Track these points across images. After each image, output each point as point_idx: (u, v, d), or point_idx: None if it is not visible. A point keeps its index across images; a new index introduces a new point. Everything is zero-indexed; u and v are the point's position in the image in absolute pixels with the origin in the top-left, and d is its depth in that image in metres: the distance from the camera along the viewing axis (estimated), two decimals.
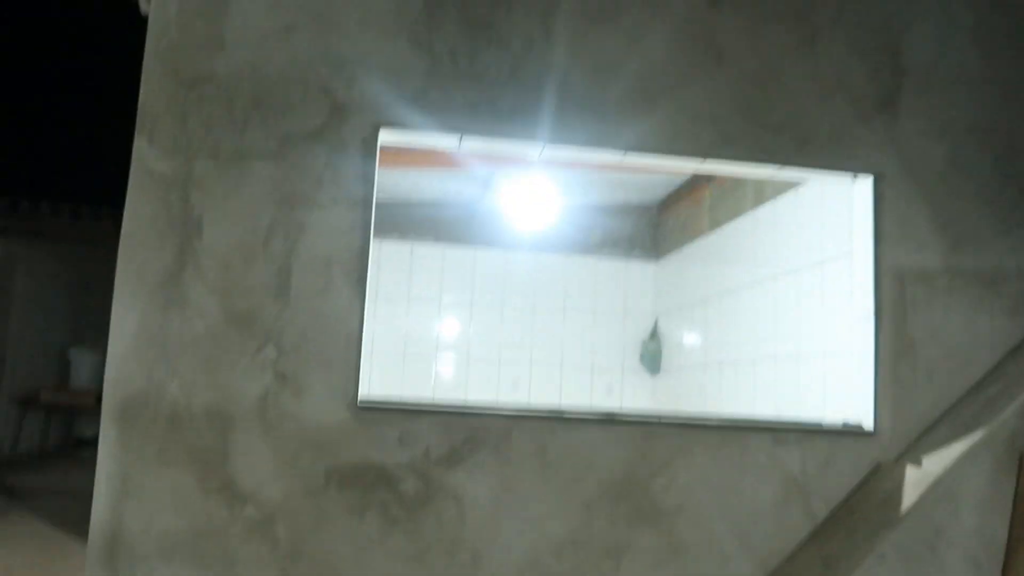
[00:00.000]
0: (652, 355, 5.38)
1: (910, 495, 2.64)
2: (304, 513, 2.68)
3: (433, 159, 4.29)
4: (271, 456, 2.70)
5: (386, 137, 2.90)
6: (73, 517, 2.76)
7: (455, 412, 2.81)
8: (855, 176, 3.11)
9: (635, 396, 5.40)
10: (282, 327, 2.76)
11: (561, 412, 2.88)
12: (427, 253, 5.48)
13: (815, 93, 3.08)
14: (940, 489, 2.78)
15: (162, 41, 2.81)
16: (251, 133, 2.80)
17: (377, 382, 5.00)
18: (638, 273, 5.60)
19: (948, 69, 3.17)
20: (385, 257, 5.31)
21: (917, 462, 2.75)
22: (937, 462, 2.69)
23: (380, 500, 2.71)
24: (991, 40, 3.21)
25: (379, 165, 2.90)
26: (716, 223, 4.74)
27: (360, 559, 2.68)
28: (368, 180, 2.83)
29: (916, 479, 2.68)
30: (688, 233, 5.15)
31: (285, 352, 2.75)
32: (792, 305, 3.79)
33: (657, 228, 5.71)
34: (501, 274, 5.49)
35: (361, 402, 2.75)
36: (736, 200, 4.48)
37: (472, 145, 2.98)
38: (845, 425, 2.97)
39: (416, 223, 5.50)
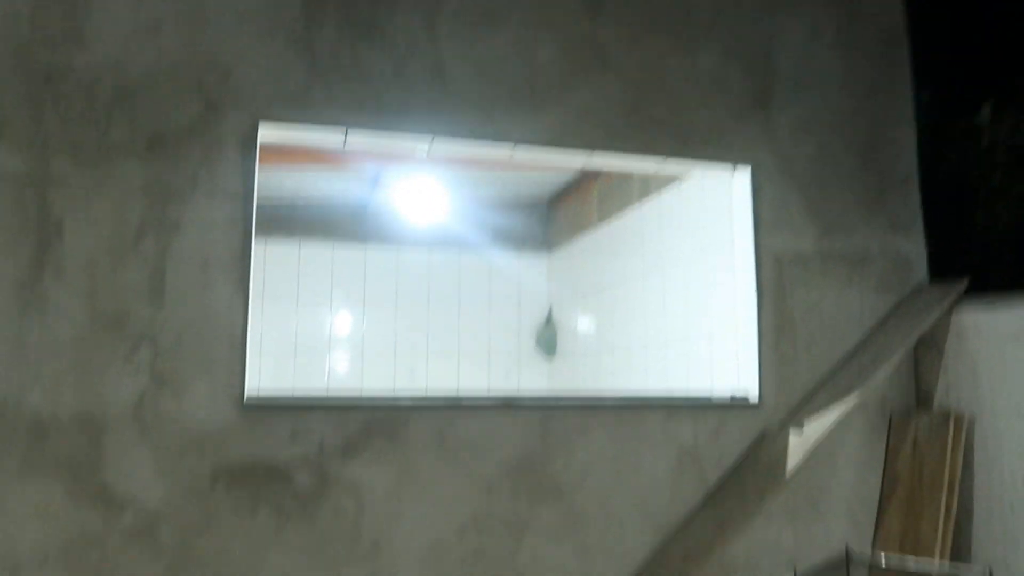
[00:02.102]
0: (548, 339, 5.44)
1: (794, 459, 2.77)
2: (189, 516, 2.53)
3: (319, 157, 4.17)
4: (150, 460, 2.53)
5: (267, 133, 2.78)
6: None
7: (349, 405, 2.73)
8: (734, 167, 3.25)
9: (532, 379, 5.44)
10: (157, 329, 2.58)
11: (459, 400, 2.85)
12: (316, 252, 5.32)
13: (694, 93, 3.21)
14: (820, 452, 2.95)
15: (12, 35, 2.59)
16: (115, 130, 2.61)
17: (268, 380, 4.80)
18: (531, 265, 5.65)
19: (814, 71, 3.38)
20: (272, 257, 5.11)
21: (799, 429, 2.89)
22: (817, 428, 2.84)
23: (272, 496, 2.59)
24: (850, 46, 3.46)
25: (263, 164, 2.79)
26: (605, 216, 4.85)
27: (253, 556, 2.55)
28: (248, 176, 2.71)
29: (799, 444, 2.82)
30: (578, 226, 5.25)
31: (162, 353, 2.58)
32: (680, 290, 3.92)
33: (548, 223, 5.78)
34: (393, 271, 5.41)
35: (248, 400, 2.63)
36: (623, 194, 4.60)
37: (358, 141, 2.92)
38: (732, 399, 3.10)
39: (304, 222, 5.33)
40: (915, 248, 3.39)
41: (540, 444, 2.83)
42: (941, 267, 3.33)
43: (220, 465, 2.57)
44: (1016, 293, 2.93)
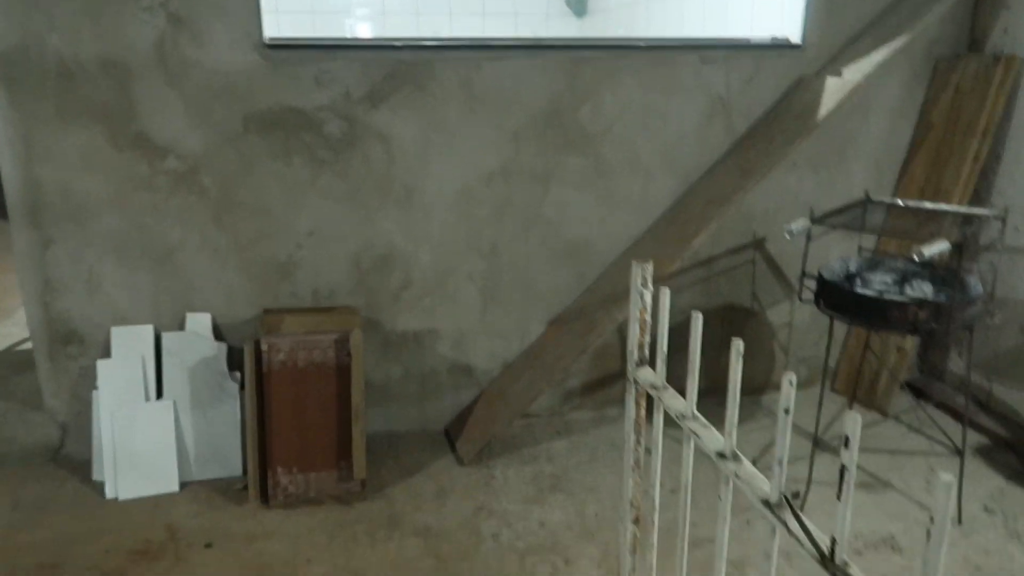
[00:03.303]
0: None
1: (828, 104, 2.70)
2: (228, 161, 2.63)
3: None
4: (181, 106, 2.55)
5: None
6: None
7: (373, 47, 2.65)
8: None
9: None
10: None
11: (485, 43, 2.75)
12: None
13: None
14: (856, 98, 2.87)
15: None
16: None
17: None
18: None
19: None
20: None
21: (837, 73, 2.78)
22: (856, 72, 2.73)
23: (305, 144, 2.66)
24: None
25: None
26: None
27: (293, 201, 2.70)
28: None
29: (835, 89, 2.73)
30: None
31: None
32: None
33: None
34: None
35: (269, 41, 2.56)
36: None
37: None
38: (773, 39, 2.94)
39: None
40: None
41: (567, 91, 2.78)
42: None
43: (250, 112, 2.59)
44: None
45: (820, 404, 2.62)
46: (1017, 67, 2.81)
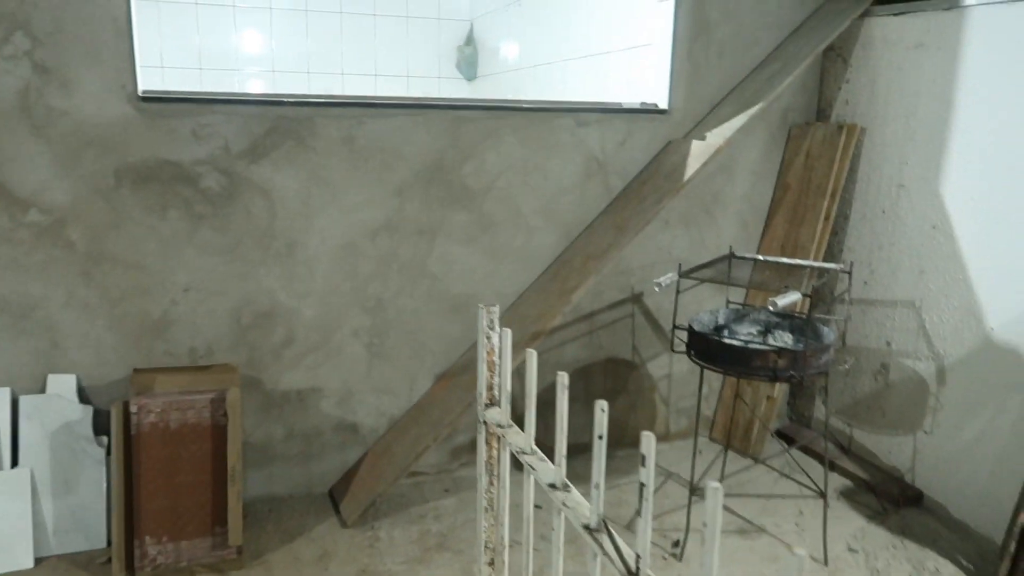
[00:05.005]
0: (468, 61, 5.26)
1: (693, 166, 2.89)
2: (98, 214, 2.54)
3: None
4: (48, 157, 2.47)
5: None
6: None
7: (254, 102, 2.65)
8: None
9: None
10: (29, 12, 2.38)
11: (369, 101, 2.80)
12: None
13: None
14: (720, 161, 3.08)
15: None
16: None
17: None
18: None
19: None
20: None
21: (702, 137, 2.98)
22: (719, 136, 2.93)
23: (182, 197, 2.61)
24: None
25: None
26: None
27: (169, 255, 2.63)
28: None
29: (700, 152, 2.93)
30: None
31: (40, 41, 2.40)
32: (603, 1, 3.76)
33: None
34: None
35: (143, 93, 2.52)
36: None
37: None
38: (642, 104, 3.14)
39: None
40: None
41: (451, 148, 2.86)
42: None
43: (123, 164, 2.53)
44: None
45: (694, 453, 2.72)
46: (857, 134, 3.10)
